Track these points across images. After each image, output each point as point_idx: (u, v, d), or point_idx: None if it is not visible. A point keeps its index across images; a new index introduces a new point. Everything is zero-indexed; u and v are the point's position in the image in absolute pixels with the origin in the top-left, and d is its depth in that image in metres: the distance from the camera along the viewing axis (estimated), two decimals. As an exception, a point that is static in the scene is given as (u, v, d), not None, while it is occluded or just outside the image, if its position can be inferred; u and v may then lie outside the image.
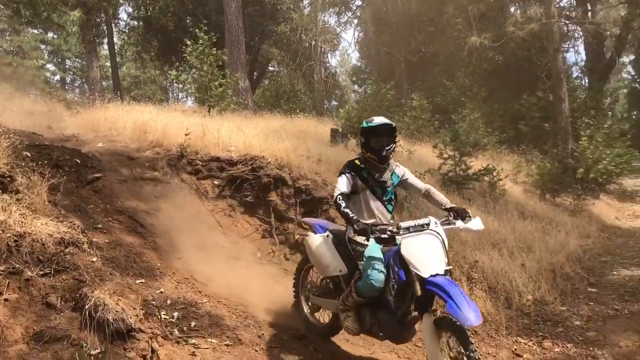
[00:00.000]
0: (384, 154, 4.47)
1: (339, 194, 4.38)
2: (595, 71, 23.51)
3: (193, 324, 4.61)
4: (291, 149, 9.88)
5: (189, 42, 16.68)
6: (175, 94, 48.31)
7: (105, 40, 28.75)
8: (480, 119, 19.35)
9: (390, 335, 4.34)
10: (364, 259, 4.24)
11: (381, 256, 4.18)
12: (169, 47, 26.40)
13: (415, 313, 4.09)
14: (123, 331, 3.82)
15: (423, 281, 3.76)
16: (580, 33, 23.46)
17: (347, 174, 4.54)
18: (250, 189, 8.81)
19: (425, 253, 3.82)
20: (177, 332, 4.37)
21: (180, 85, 28.22)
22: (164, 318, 4.46)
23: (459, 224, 4.18)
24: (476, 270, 7.20)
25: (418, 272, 3.76)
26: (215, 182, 8.96)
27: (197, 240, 7.23)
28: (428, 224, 3.98)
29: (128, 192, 8.07)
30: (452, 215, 4.27)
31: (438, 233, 3.94)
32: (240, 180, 8.87)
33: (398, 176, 4.73)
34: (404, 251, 3.87)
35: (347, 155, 11.19)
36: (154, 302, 4.61)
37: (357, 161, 4.67)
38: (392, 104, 17.57)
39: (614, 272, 9.03)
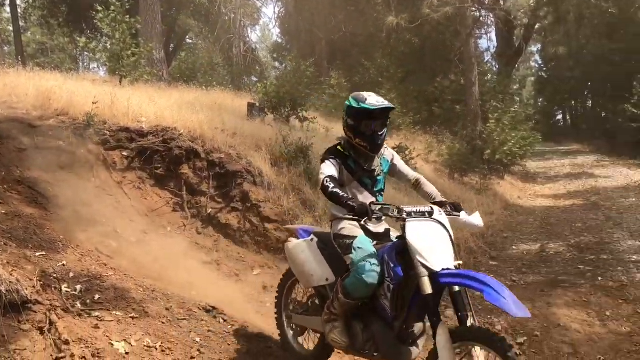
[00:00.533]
0: (379, 142, 3.75)
1: (326, 177, 3.57)
2: (504, 57, 24.57)
3: (97, 296, 4.42)
4: (205, 122, 9.67)
5: (100, 8, 15.82)
6: (86, 64, 45.97)
7: (8, 2, 26.76)
8: (396, 100, 19.78)
9: (388, 355, 3.48)
10: (353, 251, 3.53)
11: (374, 250, 3.49)
12: (79, 13, 25.02)
13: (418, 325, 3.41)
14: (17, 303, 3.61)
15: (434, 276, 3.07)
16: (493, 20, 24.34)
17: (331, 160, 3.74)
18: (161, 161, 8.57)
19: (434, 243, 3.18)
20: (79, 305, 4.18)
21: (91, 55, 26.82)
22: (66, 291, 4.26)
23: (463, 215, 3.61)
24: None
25: (427, 264, 3.07)
26: (124, 154, 8.60)
27: (104, 213, 6.97)
28: (431, 213, 3.32)
29: (29, 161, 7.59)
30: (449, 207, 3.62)
31: (444, 224, 3.30)
32: (151, 151, 8.58)
33: (387, 161, 3.98)
34: (410, 236, 3.18)
35: (264, 129, 11.11)
36: (54, 275, 4.40)
37: (339, 147, 3.87)
38: (312, 82, 17.64)
39: (514, 247, 9.61)
